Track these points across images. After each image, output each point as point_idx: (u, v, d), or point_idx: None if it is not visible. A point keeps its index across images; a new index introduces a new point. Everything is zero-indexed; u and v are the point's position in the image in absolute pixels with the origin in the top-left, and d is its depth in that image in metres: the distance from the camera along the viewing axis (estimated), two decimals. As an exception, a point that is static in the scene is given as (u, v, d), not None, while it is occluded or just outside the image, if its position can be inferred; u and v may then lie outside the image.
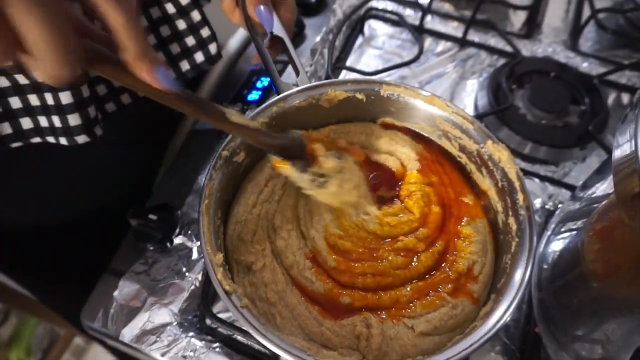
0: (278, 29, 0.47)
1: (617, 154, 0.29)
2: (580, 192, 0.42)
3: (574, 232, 0.39)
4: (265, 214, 0.43)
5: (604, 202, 0.35)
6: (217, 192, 0.40)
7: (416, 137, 0.48)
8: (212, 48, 0.53)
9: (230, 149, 0.42)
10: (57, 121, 0.44)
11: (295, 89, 0.45)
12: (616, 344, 0.32)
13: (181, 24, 0.50)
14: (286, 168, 0.40)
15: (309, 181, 0.40)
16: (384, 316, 0.39)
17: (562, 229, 0.42)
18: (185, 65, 0.52)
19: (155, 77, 0.30)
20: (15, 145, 0.45)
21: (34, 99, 0.43)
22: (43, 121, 0.44)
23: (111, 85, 0.49)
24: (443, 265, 0.41)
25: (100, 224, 0.62)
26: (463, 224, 0.43)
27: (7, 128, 0.43)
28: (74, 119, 0.43)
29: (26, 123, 0.44)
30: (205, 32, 0.52)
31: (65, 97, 0.42)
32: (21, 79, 0.41)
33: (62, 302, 0.84)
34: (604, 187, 0.36)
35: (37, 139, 0.45)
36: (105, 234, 0.60)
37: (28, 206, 0.58)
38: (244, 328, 0.34)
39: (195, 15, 0.50)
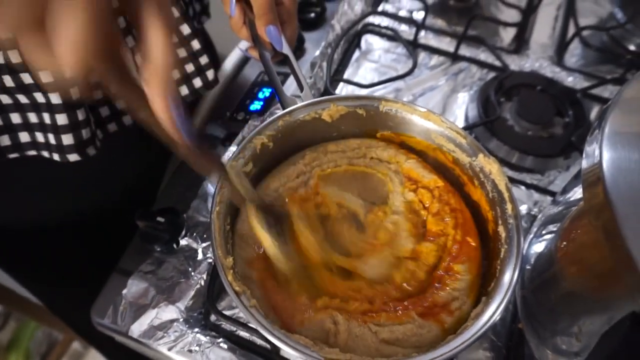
0: (285, 48, 0.50)
1: (585, 163, 0.33)
2: (560, 196, 0.45)
3: (552, 235, 0.42)
4: None
5: (578, 206, 0.38)
6: (227, 200, 0.43)
7: (412, 151, 0.51)
8: (210, 74, 0.56)
9: (239, 159, 0.45)
10: (52, 139, 0.47)
11: (300, 104, 0.48)
12: (587, 335, 0.35)
13: (182, 52, 0.53)
14: (265, 238, 0.41)
15: (284, 258, 0.42)
16: (351, 316, 0.41)
17: (543, 232, 0.45)
18: (184, 90, 0.55)
19: (170, 119, 0.28)
20: (12, 156, 0.48)
21: (32, 117, 0.46)
22: (39, 137, 0.48)
23: (113, 107, 0.53)
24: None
25: (104, 226, 0.65)
26: (457, 262, 0.44)
27: (6, 140, 0.47)
28: (67, 139, 0.47)
29: (24, 137, 0.48)
30: (203, 60, 0.55)
31: (61, 119, 0.46)
32: (22, 99, 0.45)
33: (65, 305, 0.86)
34: (579, 192, 0.40)
35: (32, 152, 0.49)
36: (109, 236, 0.63)
37: (33, 207, 0.61)
38: (251, 325, 0.37)
39: (195, 44, 0.54)
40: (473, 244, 0.44)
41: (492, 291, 0.39)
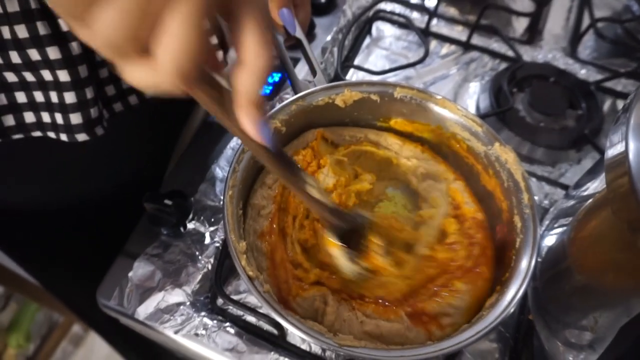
0: (298, 32, 0.49)
1: (610, 152, 0.32)
2: (573, 190, 0.45)
3: (564, 228, 0.42)
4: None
5: (592, 200, 0.38)
6: (239, 184, 0.42)
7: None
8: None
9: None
10: (59, 118, 0.46)
11: (313, 89, 0.47)
12: (602, 328, 0.35)
13: None
14: (336, 250, 0.40)
15: (352, 271, 0.40)
16: (342, 298, 0.41)
17: (555, 225, 0.44)
18: None
19: (257, 128, 0.28)
20: (16, 137, 0.47)
21: (39, 96, 0.45)
22: (45, 117, 0.47)
23: (119, 86, 0.52)
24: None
25: (109, 209, 0.64)
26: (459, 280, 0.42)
27: (10, 120, 0.46)
28: (75, 118, 0.46)
29: (29, 117, 0.47)
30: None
31: (69, 97, 0.45)
32: (28, 76, 0.44)
33: (67, 287, 0.86)
34: (594, 186, 0.39)
35: (37, 133, 0.48)
36: (114, 220, 0.62)
37: (38, 190, 0.60)
38: (262, 311, 0.36)
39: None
40: (484, 274, 0.42)
41: (507, 281, 0.39)
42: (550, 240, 0.45)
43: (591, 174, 0.42)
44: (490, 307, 0.37)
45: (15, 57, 0.42)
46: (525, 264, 0.38)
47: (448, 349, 0.35)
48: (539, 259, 0.45)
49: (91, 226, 0.68)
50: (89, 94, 0.46)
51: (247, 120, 0.27)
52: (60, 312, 1.40)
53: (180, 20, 0.22)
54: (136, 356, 1.07)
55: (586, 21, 0.75)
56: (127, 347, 1.03)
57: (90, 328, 1.02)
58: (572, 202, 0.43)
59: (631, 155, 0.29)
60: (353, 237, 0.41)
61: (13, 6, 0.39)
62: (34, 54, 0.42)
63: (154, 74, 0.24)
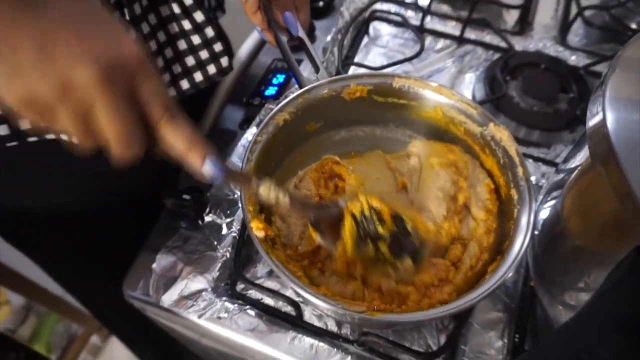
0: (300, 32, 0.53)
1: (591, 122, 0.35)
2: (562, 165, 0.48)
3: (557, 200, 0.45)
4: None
5: (578, 169, 0.41)
6: (256, 172, 0.46)
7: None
8: (224, 61, 0.59)
9: (263, 134, 0.48)
10: None
11: (317, 82, 0.51)
12: (596, 288, 0.38)
13: (196, 39, 0.56)
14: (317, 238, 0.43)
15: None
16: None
17: (548, 199, 0.47)
18: (198, 77, 0.58)
19: (204, 167, 0.35)
20: (31, 139, 0.50)
21: None
22: None
23: None
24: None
25: (126, 211, 0.67)
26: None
27: (25, 123, 0.49)
28: None
29: None
30: (217, 47, 0.57)
31: None
32: None
33: (88, 290, 0.88)
34: (580, 157, 0.42)
35: (50, 135, 0.51)
36: (132, 221, 0.65)
37: (54, 192, 0.63)
38: (281, 292, 0.39)
39: (209, 32, 0.56)
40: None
41: (506, 249, 0.42)
42: (544, 214, 0.47)
43: (577, 147, 0.45)
44: (493, 272, 0.40)
45: None
46: (522, 234, 0.41)
47: (456, 308, 0.38)
48: (537, 232, 0.48)
49: (110, 227, 0.71)
50: None
51: (196, 164, 0.35)
52: (79, 322, 1.43)
53: (99, 116, 0.32)
54: (154, 358, 1.10)
55: (574, 10, 0.78)
56: (146, 348, 1.05)
57: (110, 331, 1.05)
58: (562, 176, 0.46)
59: (609, 122, 0.32)
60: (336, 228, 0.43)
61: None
62: None
63: (112, 150, 0.34)
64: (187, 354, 0.81)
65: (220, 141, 0.65)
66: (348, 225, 0.41)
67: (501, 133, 0.47)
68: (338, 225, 0.42)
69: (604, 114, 0.33)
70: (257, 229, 0.41)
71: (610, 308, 0.25)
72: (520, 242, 0.40)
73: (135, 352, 1.14)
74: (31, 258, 0.77)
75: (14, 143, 0.48)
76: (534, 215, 0.41)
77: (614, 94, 0.34)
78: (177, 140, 0.35)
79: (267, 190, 0.39)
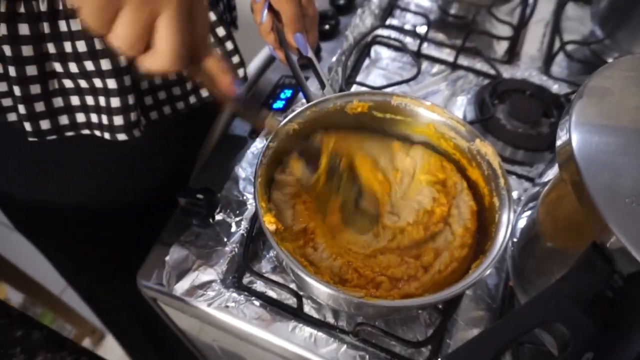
0: (309, 52, 0.59)
1: (558, 142, 0.41)
2: (538, 179, 0.54)
3: (533, 209, 0.51)
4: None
5: (551, 181, 0.47)
6: (266, 174, 0.51)
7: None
8: (240, 72, 0.65)
9: (274, 141, 0.53)
10: (105, 119, 0.55)
11: (324, 97, 0.57)
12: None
13: (218, 52, 0.62)
14: (297, 165, 0.54)
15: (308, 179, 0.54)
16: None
17: (525, 209, 0.53)
18: None
19: (231, 86, 0.42)
20: (68, 134, 0.55)
21: (90, 100, 0.53)
22: (94, 118, 0.55)
23: (156, 97, 0.61)
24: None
25: (138, 210, 0.72)
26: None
27: (64, 119, 0.54)
28: (118, 120, 0.54)
29: (80, 117, 0.55)
30: (235, 59, 0.64)
31: (115, 102, 0.53)
32: (82, 83, 0.52)
33: (93, 286, 0.92)
34: (553, 172, 0.48)
35: (86, 131, 0.56)
36: (142, 220, 0.70)
37: (77, 188, 0.68)
38: (293, 268, 0.44)
39: (229, 45, 0.63)
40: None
41: (487, 249, 0.47)
42: (522, 223, 0.53)
43: (550, 164, 0.51)
44: (475, 268, 0.46)
45: (73, 67, 0.51)
46: (502, 235, 0.47)
47: (446, 295, 0.43)
48: (515, 239, 0.53)
49: (122, 224, 0.75)
50: (131, 100, 0.54)
51: (224, 82, 0.41)
52: (72, 324, 1.45)
53: (165, 26, 0.34)
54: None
55: (557, 44, 0.86)
56: (141, 347, 1.08)
57: (107, 327, 1.08)
58: (537, 188, 0.52)
59: (574, 142, 0.39)
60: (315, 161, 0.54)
61: (76, 25, 0.49)
62: (89, 65, 0.51)
63: (157, 62, 0.35)
64: (184, 354, 0.85)
65: (230, 146, 0.71)
66: (324, 162, 0.53)
67: (486, 148, 0.53)
68: (316, 162, 0.53)
69: (570, 134, 0.39)
70: (269, 223, 0.46)
71: (567, 288, 0.30)
72: (500, 240, 0.46)
73: (129, 352, 1.17)
74: (42, 250, 0.81)
75: (53, 137, 0.53)
76: (513, 216, 0.47)
77: (579, 119, 0.41)
78: (214, 63, 0.40)
79: (269, 119, 0.49)
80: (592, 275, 0.31)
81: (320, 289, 0.44)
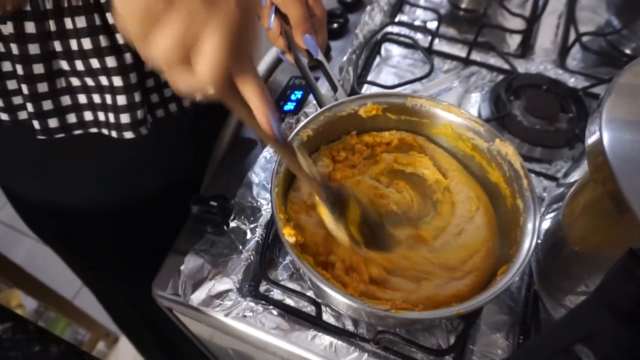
0: (319, 55, 0.58)
1: (589, 140, 0.40)
2: (562, 179, 0.52)
3: (557, 211, 0.49)
4: None
5: (577, 182, 0.45)
6: (283, 183, 0.50)
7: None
8: None
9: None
10: (112, 117, 0.54)
11: (338, 102, 0.55)
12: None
13: None
14: (326, 217, 0.49)
15: (339, 235, 0.49)
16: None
17: (549, 210, 0.52)
18: None
19: (271, 126, 0.37)
20: (76, 132, 0.55)
21: (96, 98, 0.53)
22: (101, 116, 0.55)
23: (162, 95, 0.60)
24: None
25: (148, 216, 0.72)
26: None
27: (72, 118, 0.54)
28: (125, 118, 0.53)
29: (88, 115, 0.55)
30: None
31: (121, 100, 0.53)
32: (89, 81, 0.52)
33: (107, 289, 0.92)
34: (578, 173, 0.46)
35: (94, 129, 0.56)
36: (153, 226, 0.69)
37: (88, 190, 0.67)
38: (316, 282, 0.43)
39: None
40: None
41: (513, 255, 0.46)
42: (546, 224, 0.52)
43: (576, 163, 0.49)
44: (500, 276, 0.44)
45: (79, 65, 0.50)
46: (528, 240, 0.45)
47: (470, 307, 0.42)
48: (539, 241, 0.52)
49: (137, 229, 0.75)
50: (137, 97, 0.53)
51: (264, 120, 0.36)
52: (87, 328, 1.45)
53: (213, 42, 0.30)
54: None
55: (572, 36, 0.83)
56: (154, 349, 1.08)
57: (122, 330, 1.08)
58: (562, 189, 0.50)
59: (605, 141, 0.37)
60: (343, 208, 0.49)
61: (81, 22, 0.48)
62: (95, 63, 0.50)
63: (193, 80, 0.32)
64: (197, 357, 0.84)
65: (242, 153, 0.70)
66: (354, 207, 0.49)
67: (507, 148, 0.51)
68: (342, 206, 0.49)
69: (601, 133, 0.38)
70: (289, 235, 0.45)
71: (605, 299, 0.29)
72: (527, 246, 0.44)
73: (143, 354, 1.17)
74: (56, 251, 0.81)
75: (62, 135, 0.53)
76: (539, 221, 0.46)
77: (609, 116, 0.39)
78: (253, 93, 0.35)
79: (303, 159, 0.45)
80: (629, 285, 0.29)
81: (343, 302, 0.43)
